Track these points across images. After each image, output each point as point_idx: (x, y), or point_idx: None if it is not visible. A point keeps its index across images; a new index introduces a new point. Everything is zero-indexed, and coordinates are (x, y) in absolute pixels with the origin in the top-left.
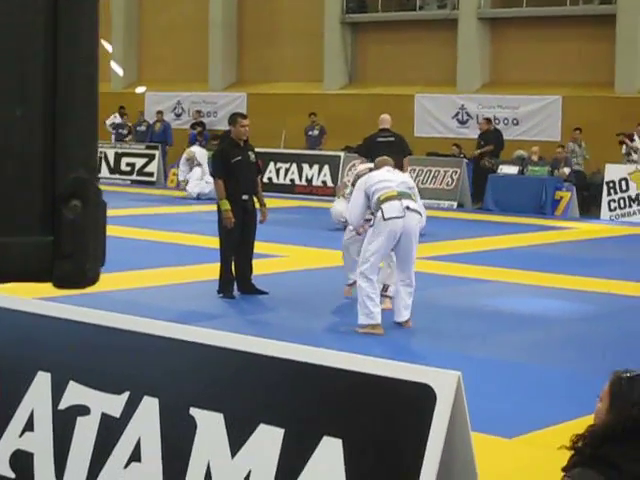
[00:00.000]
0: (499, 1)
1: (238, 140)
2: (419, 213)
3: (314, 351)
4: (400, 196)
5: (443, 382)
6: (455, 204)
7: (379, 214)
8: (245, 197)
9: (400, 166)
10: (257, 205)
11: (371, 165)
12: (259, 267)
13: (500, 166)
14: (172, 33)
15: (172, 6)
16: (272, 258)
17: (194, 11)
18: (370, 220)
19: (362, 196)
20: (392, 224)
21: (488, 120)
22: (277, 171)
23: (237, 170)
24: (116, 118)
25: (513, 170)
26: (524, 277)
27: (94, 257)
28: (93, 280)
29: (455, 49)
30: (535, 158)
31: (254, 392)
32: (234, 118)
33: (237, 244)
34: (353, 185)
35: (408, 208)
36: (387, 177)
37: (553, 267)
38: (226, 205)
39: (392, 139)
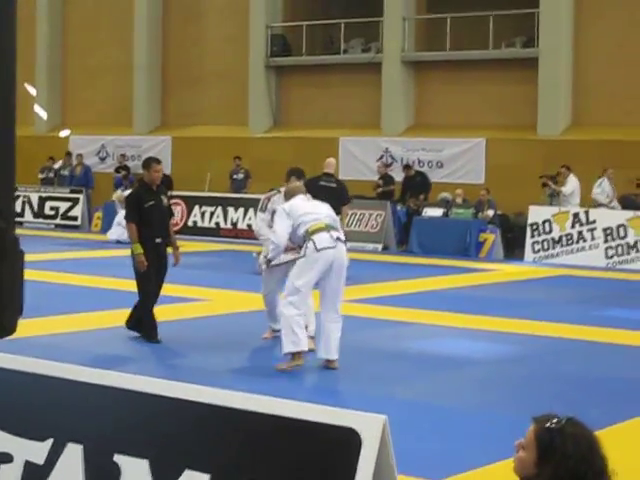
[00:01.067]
0: (423, 44)
1: (151, 184)
2: (345, 245)
3: (237, 395)
4: (328, 228)
5: (369, 426)
6: (380, 246)
7: (311, 245)
8: (158, 240)
9: (338, 213)
10: (169, 249)
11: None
12: (181, 311)
13: (424, 209)
14: (96, 76)
15: (96, 49)
16: (195, 302)
17: (118, 54)
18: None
19: (288, 220)
20: (325, 254)
21: (407, 166)
22: (202, 214)
23: (150, 214)
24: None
25: (437, 212)
26: (448, 319)
27: (11, 308)
28: (10, 330)
29: (379, 92)
30: (459, 200)
31: (179, 437)
32: (148, 163)
33: (155, 288)
34: (262, 211)
35: (338, 239)
36: (311, 209)
37: (477, 309)
38: (139, 249)
39: (334, 185)
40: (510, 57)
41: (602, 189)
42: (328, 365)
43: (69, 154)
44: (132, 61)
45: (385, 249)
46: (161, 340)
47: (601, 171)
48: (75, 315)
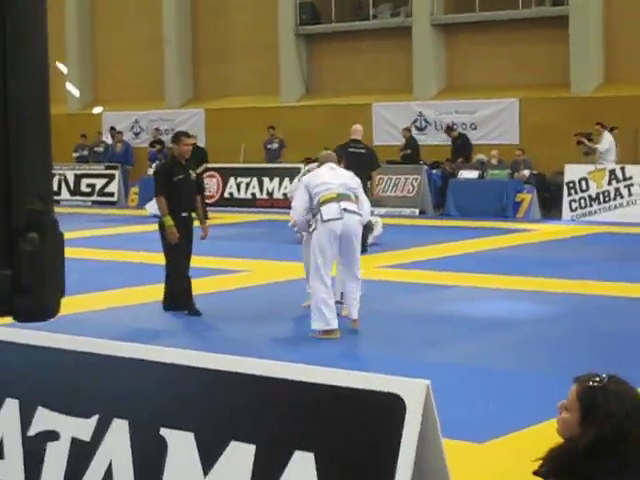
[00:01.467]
0: (452, 7)
1: (180, 158)
2: (358, 214)
3: (280, 365)
4: (339, 198)
5: (412, 391)
6: (417, 211)
7: (318, 216)
8: (185, 214)
9: (368, 178)
10: (196, 223)
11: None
12: (221, 283)
13: (460, 171)
14: (127, 52)
15: (125, 25)
16: (234, 274)
17: (148, 29)
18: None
19: (305, 193)
20: (331, 225)
21: (450, 128)
22: (238, 186)
23: (179, 188)
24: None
25: (473, 174)
26: (488, 281)
27: (53, 289)
28: (53, 313)
29: (410, 56)
30: (494, 162)
31: (223, 409)
32: (178, 137)
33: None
34: (299, 180)
35: (346, 210)
36: (328, 179)
37: (517, 269)
38: (170, 221)
39: (363, 151)
40: (540, 16)
41: None
42: (353, 325)
43: (100, 133)
44: (161, 35)
45: (422, 213)
46: (200, 312)
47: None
48: (114, 291)
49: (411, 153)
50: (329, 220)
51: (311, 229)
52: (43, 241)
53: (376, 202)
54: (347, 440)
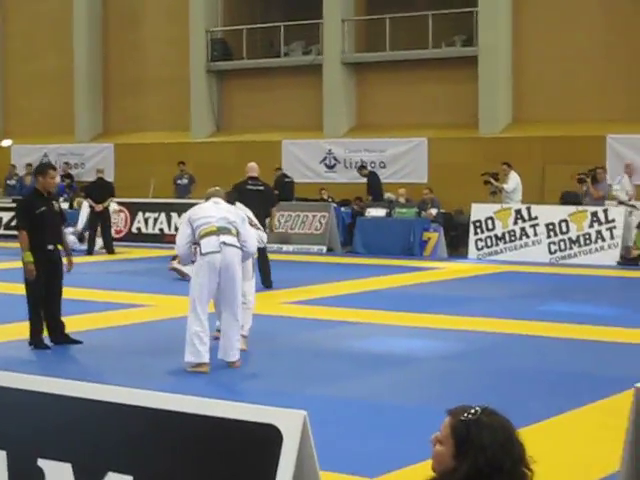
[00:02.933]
0: (363, 46)
1: (44, 191)
2: (237, 247)
3: (156, 395)
4: (219, 231)
5: (288, 422)
6: (324, 248)
7: (198, 249)
8: (50, 247)
9: (267, 215)
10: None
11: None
12: (125, 317)
13: (368, 209)
14: (37, 84)
15: (36, 57)
16: (139, 308)
17: (58, 62)
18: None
19: (187, 226)
20: (209, 258)
21: (362, 167)
22: (146, 221)
23: (42, 221)
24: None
25: (381, 212)
26: (392, 318)
27: None
28: None
29: (321, 94)
30: (402, 200)
31: (101, 439)
32: (44, 169)
33: (44, 294)
34: None
35: (224, 243)
36: (210, 212)
37: (421, 307)
38: (29, 257)
39: (262, 188)
40: (450, 56)
41: (622, 186)
42: (230, 366)
43: (13, 165)
44: (72, 67)
45: (330, 250)
46: (50, 346)
47: (622, 168)
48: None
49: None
50: (207, 253)
51: (194, 262)
52: None
53: (282, 239)
54: (224, 471)
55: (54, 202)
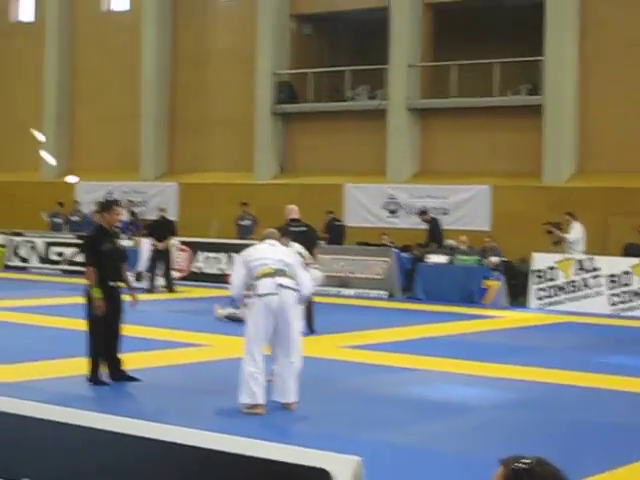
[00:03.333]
0: (428, 92)
1: (109, 228)
2: (294, 289)
3: (208, 436)
4: (275, 273)
5: (342, 467)
6: (385, 293)
7: (254, 291)
8: (112, 284)
9: (312, 255)
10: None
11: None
12: (182, 356)
13: (429, 255)
14: (104, 123)
15: (104, 96)
16: (196, 347)
17: (126, 101)
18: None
19: (243, 267)
20: (266, 300)
21: (423, 212)
22: (206, 260)
23: (107, 257)
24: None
25: (442, 259)
26: (450, 365)
27: None
28: None
29: (385, 139)
30: (464, 247)
31: (152, 477)
32: (110, 206)
33: (105, 331)
34: None
35: (281, 285)
36: (266, 254)
37: (480, 356)
38: (98, 293)
39: (304, 229)
40: (515, 104)
41: None
42: (286, 407)
43: (77, 202)
44: (140, 107)
45: (390, 296)
46: (108, 383)
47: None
48: (65, 360)
49: (329, 237)
50: (264, 294)
51: (249, 303)
52: None
53: (342, 282)
54: None
55: (117, 239)
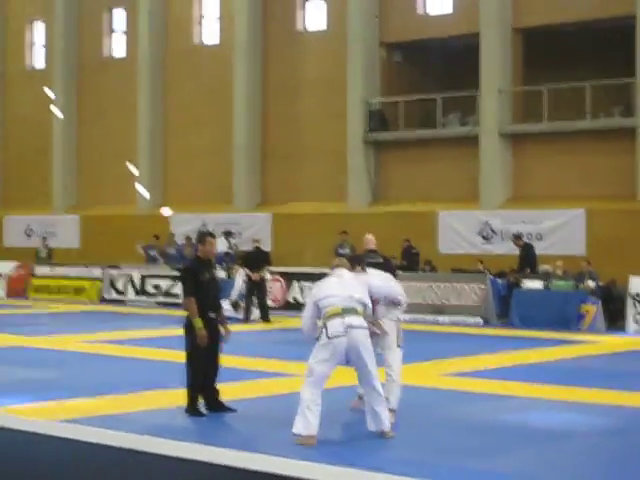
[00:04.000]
0: (520, 117)
1: (205, 258)
2: (364, 328)
3: (305, 466)
4: (344, 313)
5: None
6: (480, 319)
7: (324, 331)
8: (212, 315)
9: None
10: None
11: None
12: (279, 386)
13: (524, 281)
14: (197, 155)
15: (196, 128)
16: (292, 377)
17: (218, 132)
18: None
19: (312, 307)
20: (336, 342)
21: (517, 237)
22: (302, 290)
23: (206, 288)
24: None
25: (538, 285)
26: (549, 392)
27: None
28: None
29: (477, 165)
30: (559, 272)
31: None
32: (203, 237)
33: (205, 362)
34: None
35: (351, 326)
36: (333, 290)
37: (579, 381)
38: (200, 323)
39: (381, 261)
40: (608, 127)
41: None
42: (382, 436)
43: (173, 234)
44: (232, 139)
45: (486, 322)
46: (205, 414)
47: None
48: (163, 391)
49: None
50: (334, 337)
51: (318, 339)
52: None
53: (437, 309)
54: None
55: (213, 270)
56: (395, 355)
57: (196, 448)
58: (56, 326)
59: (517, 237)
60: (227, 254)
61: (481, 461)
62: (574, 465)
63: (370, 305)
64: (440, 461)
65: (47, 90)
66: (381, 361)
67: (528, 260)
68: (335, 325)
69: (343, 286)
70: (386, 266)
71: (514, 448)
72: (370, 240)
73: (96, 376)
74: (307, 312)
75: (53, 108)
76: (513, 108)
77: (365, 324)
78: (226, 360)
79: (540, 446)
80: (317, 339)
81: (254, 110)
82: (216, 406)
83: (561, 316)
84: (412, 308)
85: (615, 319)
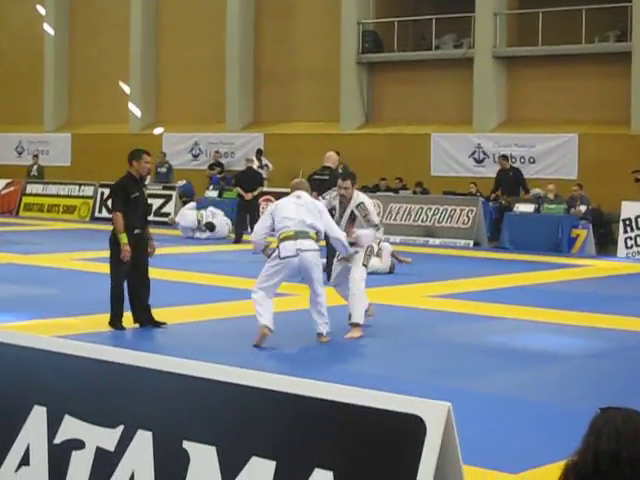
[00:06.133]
0: (515, 40)
1: (138, 176)
2: (314, 250)
3: (302, 382)
4: (296, 236)
5: (433, 413)
6: (471, 243)
7: (277, 251)
8: (137, 231)
9: None
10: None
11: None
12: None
13: (516, 204)
14: (189, 74)
15: (189, 47)
16: (283, 297)
17: (211, 52)
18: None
19: (269, 219)
20: (286, 262)
21: (504, 156)
22: None
23: (134, 205)
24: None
25: (529, 208)
26: (537, 314)
27: None
28: None
29: (471, 88)
30: (551, 196)
31: (246, 424)
32: (139, 154)
33: (134, 277)
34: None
35: (300, 249)
36: (290, 213)
37: (567, 304)
38: (125, 239)
39: (326, 177)
40: (603, 51)
41: None
42: (319, 337)
43: (164, 153)
44: (224, 58)
45: (476, 245)
46: (126, 328)
47: None
48: (171, 308)
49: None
50: (285, 257)
51: (271, 256)
52: None
53: (428, 232)
54: (366, 459)
55: (144, 188)
56: (357, 270)
57: (180, 362)
58: (49, 244)
59: (505, 158)
60: (223, 178)
61: (474, 382)
62: (559, 386)
63: (321, 230)
64: (431, 381)
65: (39, 7)
66: None
67: (523, 183)
68: (287, 247)
69: (298, 209)
70: (330, 182)
71: (505, 369)
72: (328, 157)
73: (91, 294)
74: (262, 223)
75: (44, 25)
76: (508, 31)
77: (315, 246)
78: (218, 280)
79: (532, 367)
80: (269, 257)
81: (247, 27)
82: (150, 322)
83: (552, 240)
84: (403, 230)
85: (605, 244)
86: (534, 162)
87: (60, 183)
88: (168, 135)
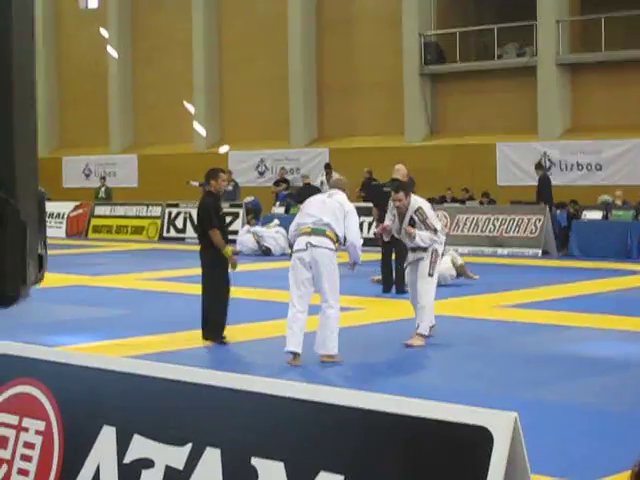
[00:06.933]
0: (578, 46)
1: (218, 193)
2: (324, 247)
3: (370, 396)
4: (311, 232)
5: (499, 424)
6: (540, 252)
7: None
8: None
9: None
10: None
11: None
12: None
13: (584, 212)
14: (253, 92)
15: (252, 65)
16: (349, 311)
17: (273, 68)
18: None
19: (300, 218)
20: (297, 256)
21: (539, 164)
22: (361, 225)
23: (223, 221)
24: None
25: (597, 215)
26: (608, 322)
27: (13, 276)
28: (13, 299)
29: (535, 96)
30: (619, 202)
31: (314, 439)
32: (216, 173)
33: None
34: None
35: (310, 244)
36: (313, 210)
37: (638, 311)
38: (230, 252)
39: (387, 189)
40: None
41: None
42: (321, 360)
43: (230, 171)
44: (287, 74)
45: (545, 254)
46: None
47: None
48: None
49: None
50: (296, 251)
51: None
52: (4, 230)
53: (496, 242)
54: (435, 473)
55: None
56: (424, 282)
57: (249, 379)
58: (118, 265)
59: (540, 166)
60: (290, 194)
61: (544, 391)
62: (633, 394)
63: (338, 231)
64: (501, 392)
65: (102, 30)
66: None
67: (545, 193)
68: (299, 242)
69: (323, 209)
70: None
71: (576, 378)
72: (397, 169)
73: (161, 313)
74: (294, 221)
75: (108, 48)
76: (571, 37)
77: (329, 245)
78: (276, 295)
79: (598, 376)
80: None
81: (309, 43)
82: (218, 339)
83: (621, 246)
84: (470, 241)
85: None
86: (600, 169)
87: (128, 204)
88: (234, 153)
